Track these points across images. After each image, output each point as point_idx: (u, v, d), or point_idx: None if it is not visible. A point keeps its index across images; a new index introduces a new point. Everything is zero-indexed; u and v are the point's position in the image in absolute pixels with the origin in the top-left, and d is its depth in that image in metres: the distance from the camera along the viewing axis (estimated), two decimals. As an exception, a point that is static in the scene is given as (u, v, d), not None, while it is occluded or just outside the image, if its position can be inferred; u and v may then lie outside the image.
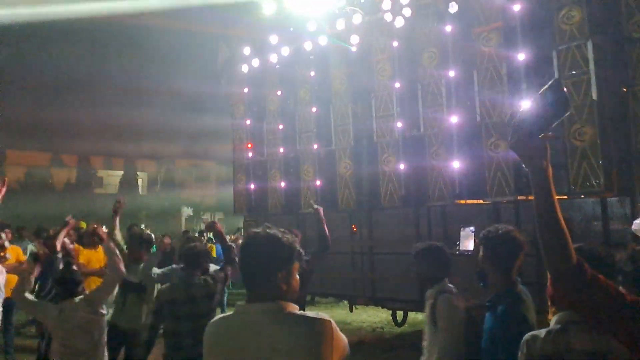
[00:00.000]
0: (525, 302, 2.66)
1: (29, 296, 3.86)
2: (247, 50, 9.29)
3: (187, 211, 27.57)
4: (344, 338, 1.79)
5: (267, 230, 1.85)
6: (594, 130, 5.51)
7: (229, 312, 1.89)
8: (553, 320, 2.09)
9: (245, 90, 9.56)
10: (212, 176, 25.57)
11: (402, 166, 7.15)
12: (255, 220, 9.27)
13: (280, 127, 8.91)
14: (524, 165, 1.48)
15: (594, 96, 5.51)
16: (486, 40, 6.43)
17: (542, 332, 2.03)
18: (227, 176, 9.88)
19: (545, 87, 1.43)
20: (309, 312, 1.81)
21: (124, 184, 37.18)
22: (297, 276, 1.89)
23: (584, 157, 5.57)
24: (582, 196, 5.63)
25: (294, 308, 1.80)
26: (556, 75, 5.90)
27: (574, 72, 5.73)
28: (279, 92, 9.01)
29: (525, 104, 1.43)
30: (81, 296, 3.78)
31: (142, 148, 34.04)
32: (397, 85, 7.32)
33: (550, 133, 1.43)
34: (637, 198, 5.46)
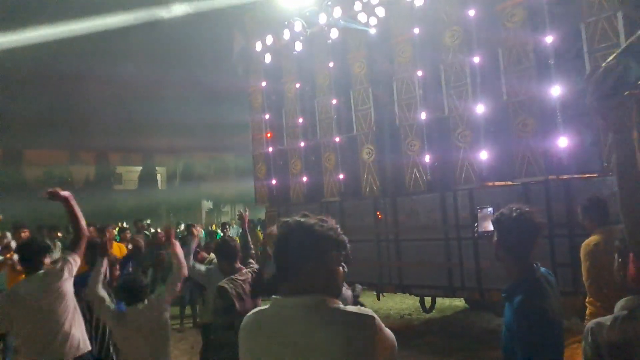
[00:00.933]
0: (544, 292, 2.47)
1: (102, 293, 3.81)
2: (263, 38, 9.18)
3: (207, 204, 27.66)
4: (390, 335, 1.66)
5: (300, 219, 1.72)
6: (628, 104, 5.29)
7: (264, 306, 1.76)
8: (618, 305, 1.94)
9: (263, 79, 9.46)
10: (231, 168, 25.47)
11: (426, 150, 6.99)
12: (277, 210, 9.21)
13: (300, 114, 8.79)
14: (604, 128, 1.31)
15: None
16: (510, 16, 6.21)
17: (607, 319, 1.89)
18: (247, 167, 9.78)
19: (634, 37, 1.25)
20: (351, 307, 1.66)
21: (142, 179, 37.47)
22: (341, 268, 1.73)
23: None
24: (611, 174, 5.43)
25: (336, 302, 1.65)
26: (585, 49, 5.68)
27: (603, 44, 5.50)
28: (297, 79, 8.88)
29: (608, 60, 1.24)
30: (145, 301, 3.71)
31: (160, 142, 34.20)
32: (419, 66, 7.12)
33: (637, 91, 1.26)
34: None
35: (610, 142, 1.26)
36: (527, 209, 2.58)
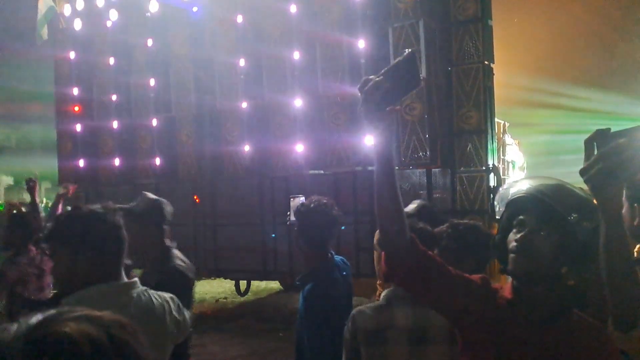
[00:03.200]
0: (334, 280, 2.63)
1: None
2: (73, 2, 8.24)
3: (6, 180, 24.28)
4: (187, 318, 1.82)
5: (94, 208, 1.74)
6: (423, 106, 5.89)
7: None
8: (382, 295, 2.15)
9: (72, 48, 8.49)
10: (36, 141, 22.55)
11: (246, 137, 6.99)
12: (86, 191, 8.45)
13: (113, 89, 8.07)
14: (370, 136, 1.43)
15: (424, 74, 5.87)
16: (328, 12, 6.47)
17: (370, 308, 2.08)
18: (55, 141, 8.78)
19: (400, 58, 1.36)
20: (152, 292, 1.76)
21: None
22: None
23: (413, 131, 5.96)
24: (411, 167, 6.04)
25: (137, 284, 1.74)
26: (391, 52, 6.16)
27: (407, 49, 6.02)
28: (111, 51, 8.12)
29: (378, 74, 1.35)
30: None
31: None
32: (242, 53, 7.03)
33: (397, 107, 1.40)
34: (456, 170, 6.03)
35: (373, 148, 1.42)
36: (325, 201, 2.70)
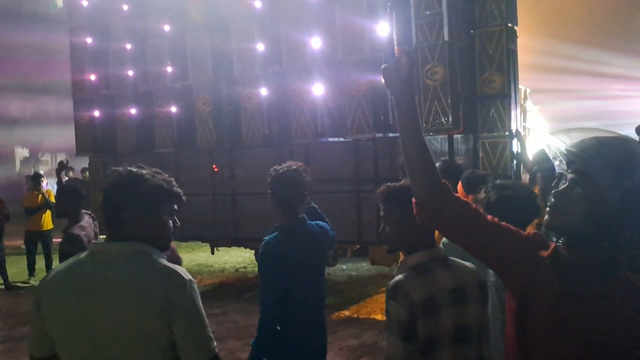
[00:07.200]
0: (290, 238, 2.75)
1: None
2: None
3: (22, 152, 24.47)
4: (199, 304, 1.65)
5: (132, 169, 1.70)
6: (445, 70, 5.72)
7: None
8: (412, 266, 1.98)
9: (86, 8, 8.36)
10: (51, 112, 22.52)
11: (264, 103, 6.89)
12: (103, 161, 8.48)
13: (129, 56, 7.98)
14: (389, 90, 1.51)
15: (446, 37, 5.70)
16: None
17: (409, 278, 1.89)
18: (70, 113, 8.75)
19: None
20: (171, 264, 1.66)
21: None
22: (172, 221, 1.72)
23: (435, 96, 5.81)
24: (432, 133, 5.92)
25: (158, 254, 1.66)
26: (412, 14, 5.94)
27: (428, 12, 5.85)
28: (126, 17, 8.00)
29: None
30: None
31: (-41, 79, 28.66)
32: (258, 17, 6.89)
33: (406, 47, 1.51)
34: (478, 136, 5.91)
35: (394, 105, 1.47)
36: (295, 167, 2.85)
